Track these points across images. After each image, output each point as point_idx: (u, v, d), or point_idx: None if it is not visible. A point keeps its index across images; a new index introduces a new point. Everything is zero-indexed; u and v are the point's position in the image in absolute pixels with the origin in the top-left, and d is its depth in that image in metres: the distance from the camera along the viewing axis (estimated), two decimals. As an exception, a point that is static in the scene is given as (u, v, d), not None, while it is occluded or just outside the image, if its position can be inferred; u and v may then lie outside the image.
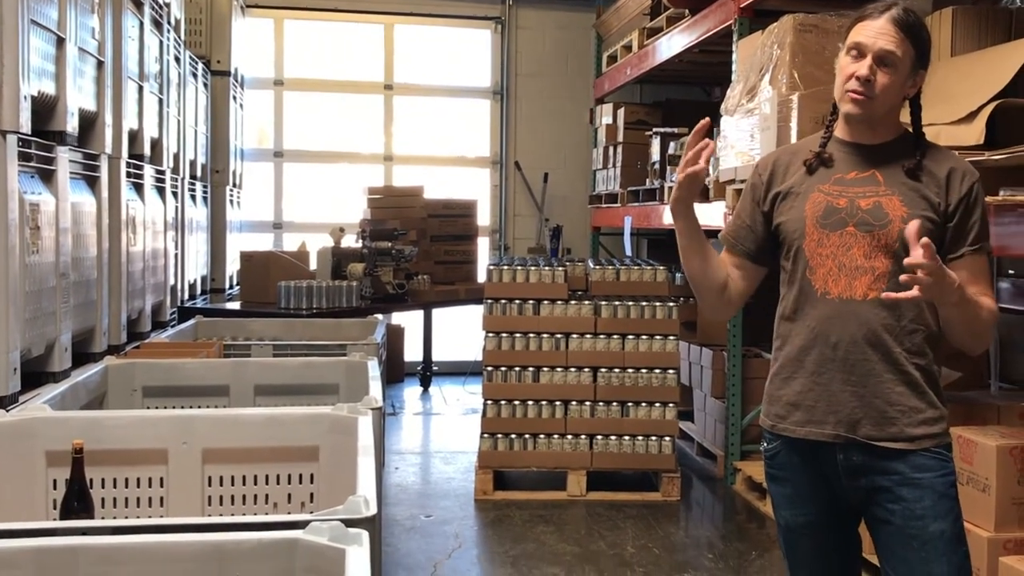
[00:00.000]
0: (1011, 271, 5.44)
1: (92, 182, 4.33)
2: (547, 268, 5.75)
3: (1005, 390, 5.07)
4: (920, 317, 2.26)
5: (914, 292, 2.04)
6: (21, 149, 3.35)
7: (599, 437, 5.59)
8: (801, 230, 2.31)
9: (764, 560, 4.64)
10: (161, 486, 2.48)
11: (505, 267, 5.76)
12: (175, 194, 6.26)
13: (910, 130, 2.38)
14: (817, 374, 2.29)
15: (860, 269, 2.25)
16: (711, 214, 5.69)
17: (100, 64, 4.41)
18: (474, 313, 7.34)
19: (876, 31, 2.23)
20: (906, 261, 2.04)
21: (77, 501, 2.18)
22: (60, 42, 3.78)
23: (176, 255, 6.32)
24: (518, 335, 5.65)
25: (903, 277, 2.05)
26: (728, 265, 2.48)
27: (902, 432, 2.24)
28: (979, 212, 2.30)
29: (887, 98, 2.27)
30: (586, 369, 5.63)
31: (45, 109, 3.74)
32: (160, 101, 5.77)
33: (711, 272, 2.44)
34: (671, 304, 5.72)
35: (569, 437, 5.59)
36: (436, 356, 9.01)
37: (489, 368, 5.66)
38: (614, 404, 5.61)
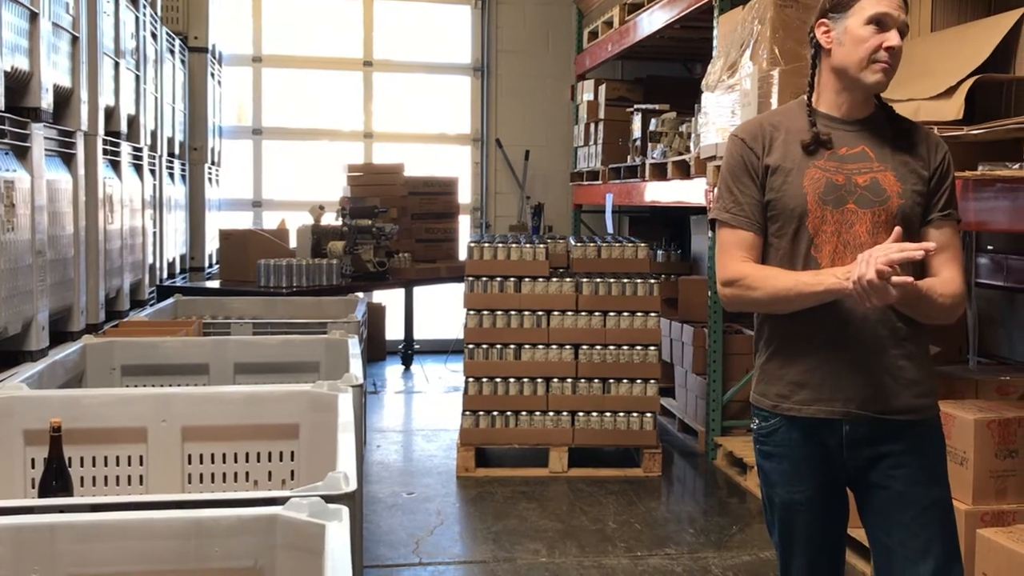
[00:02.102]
0: (990, 246, 5.47)
1: (68, 159, 4.29)
2: (528, 245, 5.74)
3: (983, 364, 5.11)
4: None
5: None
6: (-5, 126, 3.31)
7: (581, 414, 5.61)
8: (803, 207, 2.27)
9: (745, 534, 4.67)
10: (140, 464, 2.47)
11: (486, 244, 5.76)
12: (153, 172, 6.21)
13: (876, 104, 2.40)
14: (825, 352, 2.28)
15: (864, 246, 2.22)
16: (692, 191, 5.70)
17: (75, 40, 4.35)
18: (455, 291, 7.34)
19: (897, 3, 2.25)
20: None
21: (55, 480, 2.17)
22: (33, 17, 3.73)
23: (154, 233, 6.28)
24: (499, 313, 5.64)
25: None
26: (749, 248, 2.34)
27: (909, 404, 2.28)
28: (950, 180, 2.35)
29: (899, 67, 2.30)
30: (567, 346, 5.64)
31: (19, 85, 3.70)
32: (137, 78, 5.72)
33: None
34: (652, 281, 5.73)
35: (551, 414, 5.60)
36: (417, 334, 9.00)
37: (471, 346, 5.66)
38: (595, 381, 5.62)
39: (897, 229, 2.16)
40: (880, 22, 2.24)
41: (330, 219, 7.26)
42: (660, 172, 6.37)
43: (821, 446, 2.33)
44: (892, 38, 2.23)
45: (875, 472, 2.31)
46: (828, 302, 2.23)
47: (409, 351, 8.90)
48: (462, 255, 7.65)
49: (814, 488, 2.37)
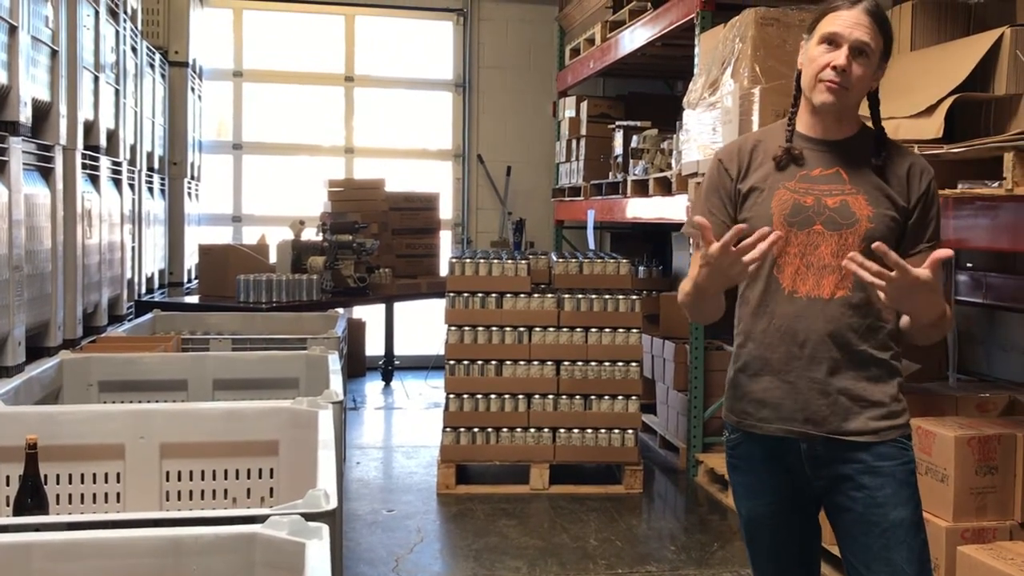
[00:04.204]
0: (969, 264, 5.50)
1: (46, 173, 4.26)
2: (510, 261, 5.74)
3: (963, 381, 5.13)
4: (883, 314, 2.29)
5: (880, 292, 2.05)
6: (-28, 139, 3.28)
7: (562, 430, 5.59)
8: (768, 228, 2.28)
9: (726, 551, 4.66)
10: (118, 481, 2.43)
11: (467, 260, 5.74)
12: (132, 186, 6.18)
13: (868, 125, 2.39)
14: (784, 372, 2.29)
15: (828, 268, 2.24)
16: (673, 208, 5.71)
17: (54, 53, 4.33)
18: (436, 307, 7.31)
19: (852, 22, 2.22)
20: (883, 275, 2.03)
21: (31, 497, 2.13)
22: (12, 30, 3.71)
23: (133, 248, 6.23)
24: (480, 328, 5.63)
25: (871, 279, 2.04)
26: None
27: (867, 425, 2.26)
28: (935, 209, 2.34)
29: (860, 89, 2.27)
30: (549, 362, 5.62)
31: (-3, 98, 3.67)
32: (116, 92, 5.69)
33: (720, 301, 2.36)
34: (634, 297, 5.73)
35: (532, 430, 5.58)
36: (398, 350, 8.98)
37: (451, 362, 5.64)
38: (577, 397, 5.61)
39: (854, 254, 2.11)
40: (831, 41, 2.23)
41: (310, 234, 7.23)
42: (641, 188, 6.38)
43: (783, 463, 2.34)
44: (838, 56, 2.21)
45: (838, 494, 2.31)
46: (784, 325, 2.27)
47: (389, 367, 8.87)
48: (443, 271, 7.65)
49: (777, 503, 2.39)
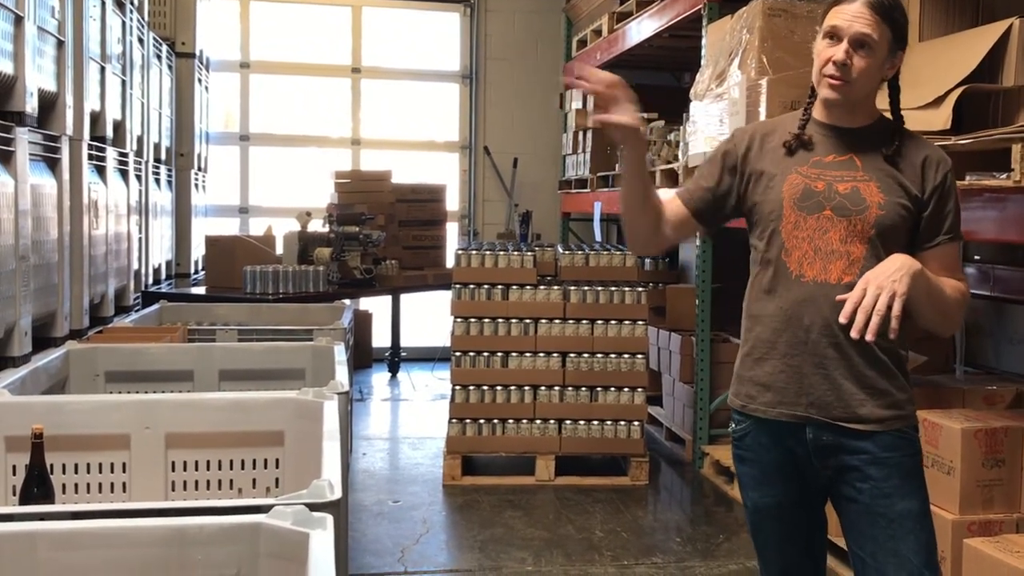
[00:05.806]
0: (977, 256, 5.48)
1: (53, 164, 4.26)
2: (516, 253, 5.73)
3: (970, 374, 5.12)
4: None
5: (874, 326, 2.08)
6: (-22, 129, 3.28)
7: (568, 422, 5.59)
8: (778, 212, 2.30)
9: (731, 543, 4.66)
10: (123, 471, 2.44)
11: (474, 252, 5.74)
12: (139, 177, 6.18)
13: (887, 116, 2.38)
14: (789, 356, 2.29)
15: (835, 253, 2.25)
16: (680, 199, 5.69)
17: (60, 44, 4.33)
18: (443, 298, 7.32)
19: (852, 15, 2.23)
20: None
21: (37, 487, 2.14)
22: (18, 20, 3.71)
23: (140, 239, 6.24)
24: (487, 320, 5.63)
25: (864, 334, 2.08)
26: (670, 207, 2.46)
27: (872, 413, 2.26)
28: (953, 201, 2.32)
29: (865, 81, 2.27)
30: (555, 354, 5.62)
31: (3, 89, 3.67)
32: (123, 83, 5.69)
33: (651, 206, 2.43)
34: (640, 289, 5.72)
35: (538, 422, 5.59)
36: (404, 342, 8.98)
37: (457, 353, 5.64)
38: (583, 389, 5.61)
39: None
40: (832, 35, 2.26)
41: (317, 226, 7.24)
42: (648, 180, 6.36)
43: (790, 452, 2.34)
44: (836, 51, 2.23)
45: (844, 484, 2.31)
46: (791, 309, 2.28)
47: (396, 358, 8.87)
48: (450, 262, 7.63)
49: (783, 494, 2.39)
